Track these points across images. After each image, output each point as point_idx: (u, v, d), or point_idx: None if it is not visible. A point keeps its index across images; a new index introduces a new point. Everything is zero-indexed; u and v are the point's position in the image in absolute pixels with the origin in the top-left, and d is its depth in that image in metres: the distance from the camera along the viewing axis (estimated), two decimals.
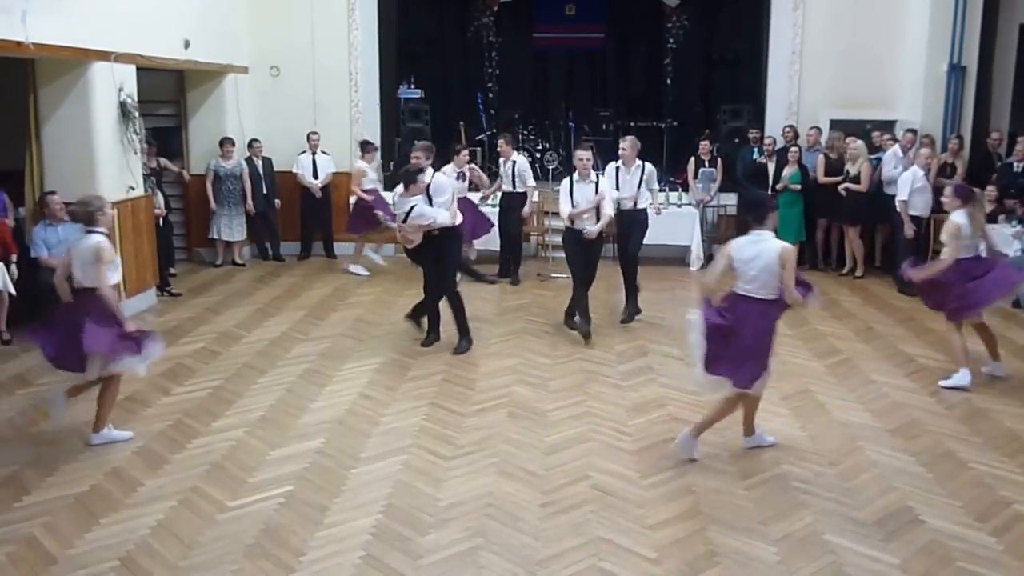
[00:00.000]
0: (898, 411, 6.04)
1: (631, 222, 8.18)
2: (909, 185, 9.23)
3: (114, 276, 5.46)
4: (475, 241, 10.08)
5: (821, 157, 10.43)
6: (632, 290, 8.31)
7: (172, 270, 10.01)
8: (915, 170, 9.48)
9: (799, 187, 10.23)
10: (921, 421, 5.85)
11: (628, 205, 8.10)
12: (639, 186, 8.09)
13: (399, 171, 8.04)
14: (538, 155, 13.94)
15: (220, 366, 7.02)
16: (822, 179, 10.22)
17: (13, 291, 7.30)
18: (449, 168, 9.06)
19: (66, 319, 5.21)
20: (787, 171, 10.29)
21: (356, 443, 5.46)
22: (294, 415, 5.93)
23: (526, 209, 9.93)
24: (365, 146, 10.54)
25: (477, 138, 13.61)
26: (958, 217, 6.32)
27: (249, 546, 4.23)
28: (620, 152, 8.15)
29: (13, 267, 7.46)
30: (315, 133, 11.10)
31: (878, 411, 6.03)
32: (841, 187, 10.05)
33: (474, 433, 5.61)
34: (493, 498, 4.72)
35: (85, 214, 5.34)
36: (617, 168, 8.13)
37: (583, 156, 7.48)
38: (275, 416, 5.92)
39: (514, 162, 9.76)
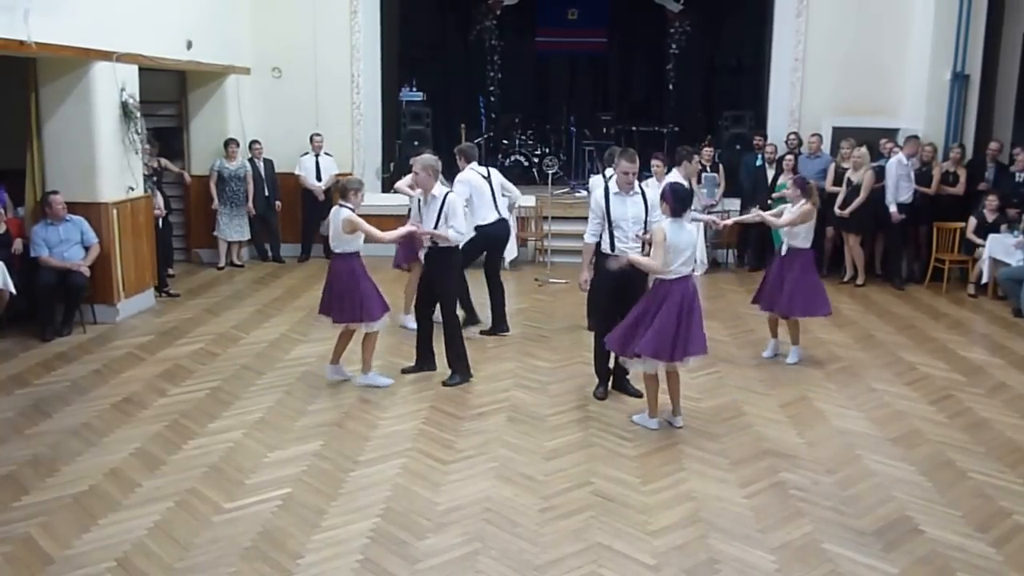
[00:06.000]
0: (898, 420, 6.02)
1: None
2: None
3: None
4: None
5: (832, 166, 10.38)
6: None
7: (171, 271, 10.00)
8: (899, 157, 9.87)
9: None
10: (921, 430, 5.83)
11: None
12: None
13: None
14: (536, 159, 13.97)
15: (218, 367, 7.00)
16: (829, 188, 10.17)
17: (13, 290, 7.28)
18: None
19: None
20: (781, 179, 10.27)
21: (355, 446, 5.44)
22: (292, 417, 5.91)
23: None
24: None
25: (475, 141, 13.63)
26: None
27: (246, 548, 4.22)
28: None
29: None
30: (318, 135, 11.09)
31: (878, 419, 6.01)
32: (840, 213, 9.90)
33: (473, 437, 5.60)
34: (492, 503, 4.70)
35: (341, 189, 6.34)
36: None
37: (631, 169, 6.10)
38: (273, 418, 5.90)
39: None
